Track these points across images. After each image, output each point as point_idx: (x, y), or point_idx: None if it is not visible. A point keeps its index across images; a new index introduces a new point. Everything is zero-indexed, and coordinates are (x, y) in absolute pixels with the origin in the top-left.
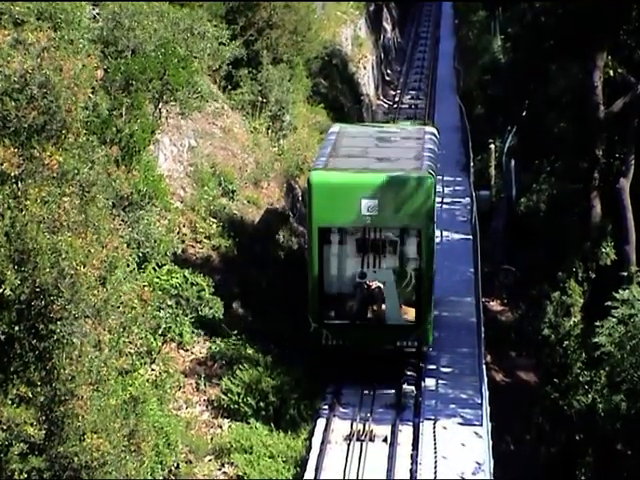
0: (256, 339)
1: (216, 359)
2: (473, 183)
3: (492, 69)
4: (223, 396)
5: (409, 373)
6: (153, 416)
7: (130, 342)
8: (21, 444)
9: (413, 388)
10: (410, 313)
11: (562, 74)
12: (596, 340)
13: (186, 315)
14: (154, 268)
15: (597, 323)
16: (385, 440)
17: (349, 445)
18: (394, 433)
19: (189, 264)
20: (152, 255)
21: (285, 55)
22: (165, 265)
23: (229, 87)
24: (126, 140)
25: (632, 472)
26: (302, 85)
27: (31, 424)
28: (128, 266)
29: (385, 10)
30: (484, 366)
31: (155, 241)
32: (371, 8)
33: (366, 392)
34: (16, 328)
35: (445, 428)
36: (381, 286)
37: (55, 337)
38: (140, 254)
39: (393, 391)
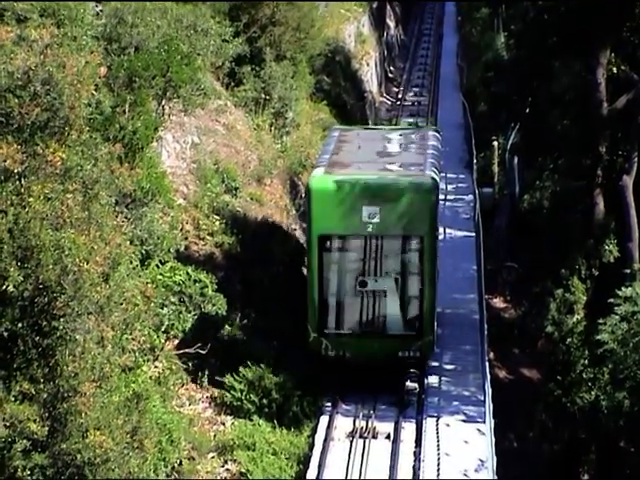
0: (259, 336)
1: (219, 355)
2: (476, 180)
3: (495, 66)
4: (226, 393)
5: (412, 370)
6: (156, 413)
7: (133, 339)
8: (24, 441)
9: (416, 385)
10: (412, 323)
11: (565, 71)
12: (599, 337)
13: (189, 312)
14: (157, 265)
15: (600, 320)
16: (388, 437)
17: (352, 442)
18: (397, 430)
19: (192, 261)
20: (155, 252)
21: (288, 52)
22: (168, 262)
23: (232, 84)
24: (129, 137)
25: (635, 469)
26: (305, 82)
27: (34, 421)
28: (131, 263)
29: (388, 7)
30: (487, 363)
31: (158, 238)
32: (374, 5)
33: (369, 389)
34: (19, 325)
35: (448, 425)
36: (382, 295)
37: (58, 334)
38: (143, 251)
39: (396, 388)
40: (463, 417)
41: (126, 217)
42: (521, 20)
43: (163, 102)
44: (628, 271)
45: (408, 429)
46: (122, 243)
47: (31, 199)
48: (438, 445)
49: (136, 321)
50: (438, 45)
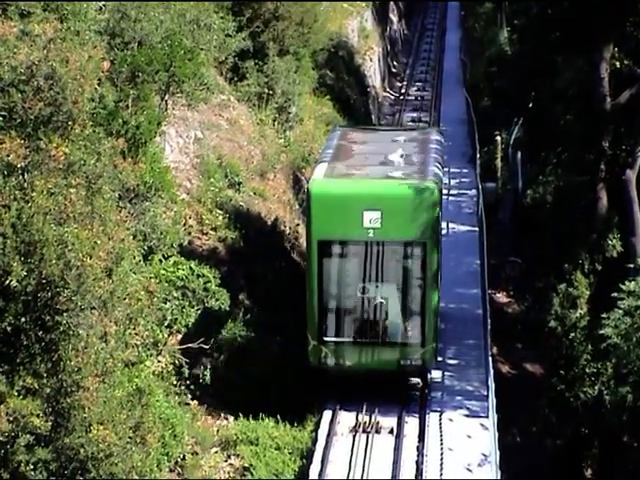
0: (262, 331)
1: (222, 351)
2: (479, 175)
3: (498, 61)
4: (229, 388)
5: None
6: (159, 408)
7: (136, 334)
8: (27, 435)
9: (419, 380)
10: (414, 331)
11: (568, 66)
12: (602, 332)
13: (192, 307)
14: (160, 260)
15: (603, 315)
16: (391, 432)
17: (355, 437)
18: (400, 425)
19: (195, 256)
20: (158, 247)
21: (291, 47)
22: (171, 257)
23: (235, 79)
24: (132, 132)
25: (638, 464)
26: (308, 77)
27: (37, 415)
28: (134, 258)
29: (391, 2)
30: (490, 358)
31: (161, 233)
32: (378, 0)
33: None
34: (22, 320)
35: (451, 420)
36: (384, 302)
37: (61, 329)
38: (146, 246)
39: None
40: (466, 412)
41: (129, 212)
42: (524, 15)
43: (166, 97)
44: (631, 265)
45: (411, 424)
46: (125, 238)
47: (34, 194)
48: (441, 440)
49: (139, 316)
50: (441, 40)
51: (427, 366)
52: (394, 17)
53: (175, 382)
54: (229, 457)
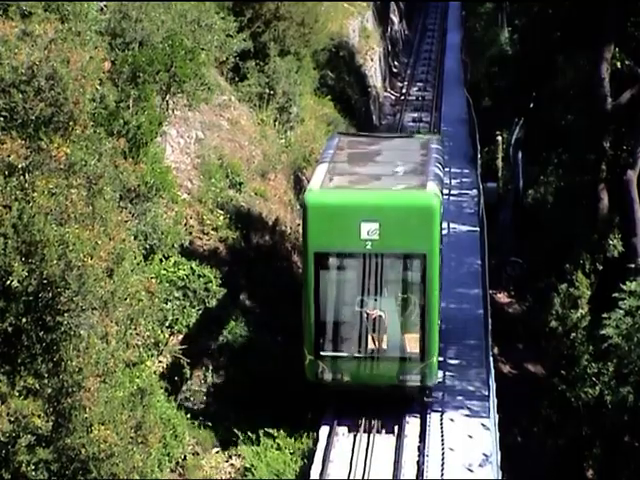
0: (263, 331)
1: (223, 351)
2: (480, 175)
3: (499, 61)
4: (230, 387)
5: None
6: (160, 408)
7: (137, 334)
8: (28, 436)
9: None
10: (414, 345)
11: (569, 66)
12: (603, 332)
13: (193, 307)
14: (161, 260)
15: (604, 315)
16: (392, 432)
17: (356, 437)
18: (401, 425)
19: (196, 256)
20: (159, 247)
21: (292, 47)
22: (172, 257)
23: (236, 79)
24: (133, 132)
25: (639, 464)
26: (309, 77)
27: (38, 416)
28: (135, 258)
29: (393, 2)
30: (491, 358)
31: (162, 233)
32: (379, 0)
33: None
34: (23, 320)
35: (452, 420)
36: (382, 315)
37: (62, 329)
38: (147, 246)
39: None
40: (467, 412)
41: (130, 212)
42: (525, 15)
43: (167, 97)
44: (632, 265)
45: (412, 424)
46: (126, 238)
47: (35, 194)
48: (442, 440)
49: (140, 316)
50: (442, 40)
51: (427, 382)
52: (395, 17)
53: (176, 382)
54: (230, 457)
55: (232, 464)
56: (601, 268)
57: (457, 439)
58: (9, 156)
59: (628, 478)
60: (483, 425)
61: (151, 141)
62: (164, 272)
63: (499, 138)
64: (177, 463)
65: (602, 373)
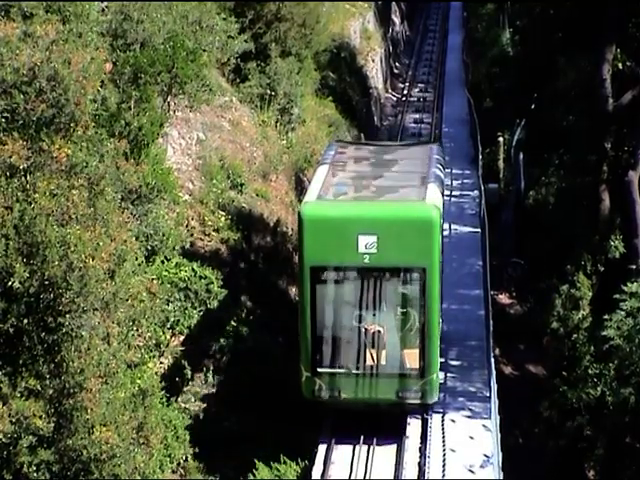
0: (265, 332)
1: (224, 352)
2: (482, 176)
3: (501, 62)
4: (232, 388)
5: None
6: (162, 409)
7: (139, 335)
8: (30, 437)
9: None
10: (413, 361)
11: (571, 67)
12: (605, 333)
13: (195, 308)
14: (162, 261)
15: (606, 316)
16: (393, 433)
17: (357, 437)
18: (402, 426)
19: (197, 257)
20: (160, 248)
21: (294, 48)
22: (173, 258)
23: (238, 80)
24: (135, 133)
25: None
26: (310, 78)
27: (40, 417)
28: (136, 259)
29: (394, 3)
30: (492, 359)
31: (164, 234)
32: (380, 1)
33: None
34: (25, 321)
35: (454, 421)
36: (381, 330)
37: (64, 330)
38: (149, 247)
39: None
40: (469, 413)
41: (132, 213)
42: (526, 16)
43: (168, 98)
44: (634, 267)
45: (414, 425)
46: (127, 239)
47: (37, 195)
48: (444, 441)
49: (142, 317)
50: (443, 41)
51: (427, 399)
52: (396, 18)
53: (177, 383)
54: (230, 457)
55: (233, 464)
56: (602, 269)
57: (458, 440)
58: (10, 157)
59: (629, 479)
60: (484, 426)
61: (152, 142)
62: (165, 273)
63: (500, 139)
64: (178, 464)
65: (603, 374)
